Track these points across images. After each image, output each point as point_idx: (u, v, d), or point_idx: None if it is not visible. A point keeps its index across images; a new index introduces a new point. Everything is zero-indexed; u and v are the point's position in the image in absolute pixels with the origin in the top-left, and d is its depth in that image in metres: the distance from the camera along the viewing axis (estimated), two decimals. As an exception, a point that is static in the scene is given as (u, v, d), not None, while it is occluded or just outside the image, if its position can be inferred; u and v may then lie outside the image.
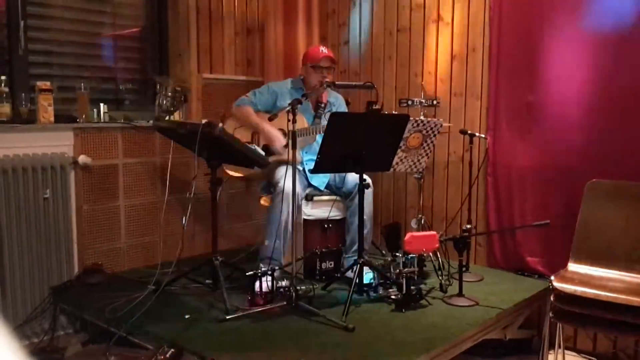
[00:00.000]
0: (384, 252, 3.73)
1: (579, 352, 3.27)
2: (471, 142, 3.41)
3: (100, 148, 3.37)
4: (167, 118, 3.50)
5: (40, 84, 3.09)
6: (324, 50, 3.40)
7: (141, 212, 3.59)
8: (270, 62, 4.13)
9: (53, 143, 3.15)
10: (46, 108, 3.11)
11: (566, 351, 3.13)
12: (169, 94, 3.67)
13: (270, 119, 2.84)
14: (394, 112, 3.45)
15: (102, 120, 3.42)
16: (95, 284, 3.15)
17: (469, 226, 3.36)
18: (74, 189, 3.24)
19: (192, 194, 2.84)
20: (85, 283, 3.14)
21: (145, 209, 3.61)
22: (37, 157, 3.06)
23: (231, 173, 3.38)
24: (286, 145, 3.24)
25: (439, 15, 3.79)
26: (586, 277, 2.79)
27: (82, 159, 3.24)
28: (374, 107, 2.66)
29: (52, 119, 3.12)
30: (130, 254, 3.56)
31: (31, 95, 3.14)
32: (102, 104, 3.44)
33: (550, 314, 2.68)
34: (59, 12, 3.38)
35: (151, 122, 3.52)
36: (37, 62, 3.28)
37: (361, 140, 2.77)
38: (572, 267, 2.93)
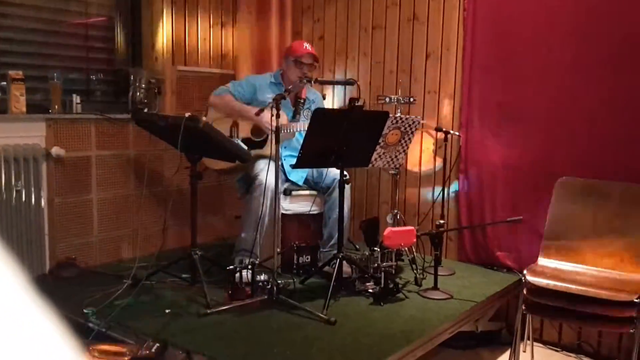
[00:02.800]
0: (357, 246, 3.78)
1: (544, 343, 3.41)
2: (445, 139, 3.49)
3: (73, 140, 3.29)
4: (145, 110, 3.45)
5: (12, 73, 3.00)
6: (307, 46, 3.41)
7: (114, 205, 3.53)
8: (243, 55, 4.12)
9: (25, 134, 3.07)
10: (18, 98, 3.02)
11: (534, 342, 3.26)
12: (143, 85, 3.63)
13: (257, 114, 2.84)
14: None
15: (74, 112, 3.34)
16: (69, 278, 3.09)
17: (442, 221, 3.44)
18: (46, 181, 3.16)
19: (173, 188, 2.81)
20: (58, 277, 3.08)
21: (118, 202, 3.55)
22: (9, 148, 2.97)
23: (210, 166, 3.36)
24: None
25: (414, 13, 3.85)
26: (556, 271, 2.90)
27: (55, 150, 3.16)
28: (356, 104, 2.69)
29: (24, 109, 3.04)
30: (103, 247, 3.49)
31: (2, 84, 3.05)
32: (74, 95, 3.36)
33: (523, 307, 2.78)
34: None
35: (127, 114, 3.46)
36: (3, 51, 3.17)
37: (342, 136, 2.80)
38: (542, 261, 3.05)
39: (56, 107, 3.21)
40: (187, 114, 2.65)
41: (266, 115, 2.96)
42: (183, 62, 3.88)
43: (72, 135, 3.29)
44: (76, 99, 3.36)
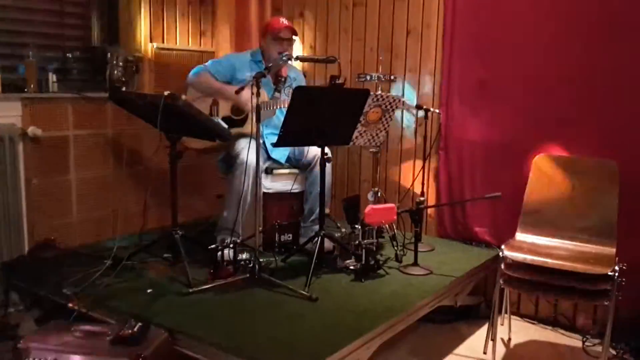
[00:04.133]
0: (338, 224, 3.80)
1: (522, 316, 3.49)
2: (426, 117, 3.50)
3: (50, 119, 3.24)
4: (123, 89, 3.40)
5: (-15, 51, 2.93)
6: (284, 21, 3.39)
7: (93, 185, 3.50)
8: (222, 33, 4.07)
9: (1, 114, 3.01)
10: (-8, 77, 2.96)
11: (511, 316, 3.34)
12: (120, 64, 3.57)
13: (237, 92, 2.81)
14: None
15: (50, 90, 3.28)
16: (49, 259, 3.07)
17: (422, 198, 3.48)
18: (23, 161, 3.12)
19: (153, 168, 2.78)
20: (38, 258, 3.05)
21: (97, 182, 3.52)
22: (-16, 128, 2.92)
23: (190, 145, 3.34)
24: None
25: (394, -10, 3.84)
26: (533, 246, 2.96)
27: (32, 130, 3.11)
28: (337, 82, 2.69)
29: (-1, 88, 2.98)
30: (82, 228, 3.47)
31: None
32: (50, 73, 3.29)
33: (501, 281, 2.84)
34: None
35: (105, 93, 3.41)
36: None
37: (323, 114, 2.80)
38: (520, 236, 3.10)
39: (32, 86, 3.15)
40: (166, 92, 2.61)
41: (245, 94, 2.94)
42: (161, 40, 3.82)
43: (49, 115, 3.24)
44: (52, 77, 3.29)
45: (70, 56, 3.56)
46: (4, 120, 3.01)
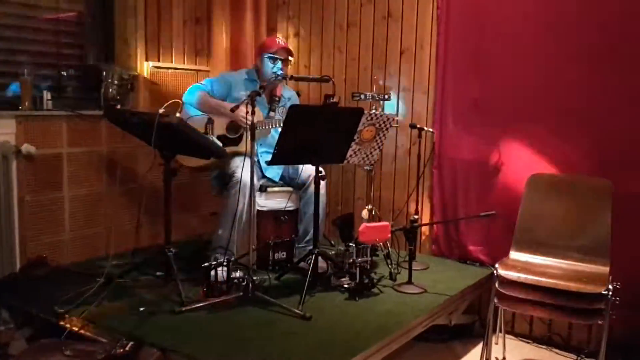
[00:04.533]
0: (333, 242, 3.80)
1: (516, 335, 3.47)
2: (420, 135, 3.52)
3: (44, 137, 3.24)
4: (117, 107, 3.41)
5: (-19, 68, 2.94)
6: (280, 41, 3.41)
7: (86, 203, 3.48)
8: (217, 52, 4.10)
9: (-6, 131, 3.02)
10: (-14, 94, 2.97)
11: (505, 335, 3.32)
12: (115, 82, 3.58)
13: (232, 110, 2.82)
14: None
15: (45, 108, 3.28)
16: (41, 276, 3.04)
17: (416, 217, 3.48)
18: (16, 178, 3.10)
19: (146, 185, 2.78)
20: (29, 276, 3.03)
21: (90, 200, 3.50)
22: (-22, 146, 2.91)
23: (184, 163, 3.34)
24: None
25: (388, 11, 3.88)
26: (527, 265, 2.96)
27: (26, 147, 3.11)
28: (331, 101, 2.70)
29: (-7, 105, 2.99)
30: (74, 246, 3.44)
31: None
32: (45, 91, 3.30)
33: (495, 300, 2.83)
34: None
35: (99, 110, 3.42)
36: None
37: (318, 133, 2.81)
38: (514, 255, 3.10)
39: (26, 103, 3.15)
40: (160, 110, 2.62)
41: (242, 110, 2.96)
42: (157, 58, 3.84)
43: (43, 132, 3.23)
44: (47, 95, 3.30)
45: (65, 74, 3.57)
46: (-3, 138, 3.01)
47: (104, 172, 3.56)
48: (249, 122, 2.65)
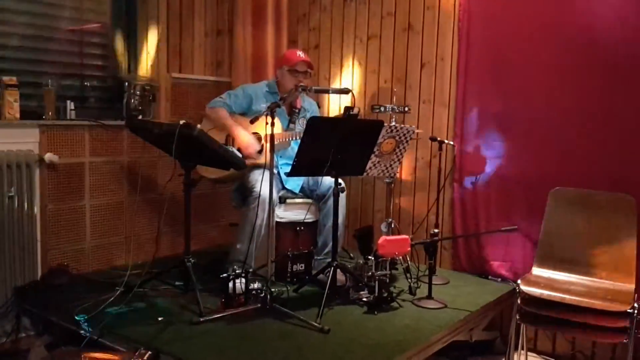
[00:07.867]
0: (352, 255, 3.78)
1: (539, 353, 3.41)
2: (440, 148, 3.50)
3: (66, 146, 3.28)
4: (139, 117, 3.45)
5: (6, 79, 3.00)
6: (301, 54, 3.42)
7: (107, 212, 3.51)
8: (238, 63, 4.12)
9: (19, 140, 3.06)
10: (12, 104, 3.02)
11: (528, 352, 3.26)
12: (137, 92, 3.62)
13: (252, 122, 2.83)
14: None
15: (68, 118, 3.33)
16: (61, 285, 3.07)
17: (436, 230, 3.44)
18: (39, 187, 3.15)
19: (167, 195, 2.80)
20: (50, 284, 3.05)
21: (111, 209, 3.53)
22: (2, 154, 2.95)
23: (204, 174, 3.35)
24: (260, 151, 3.24)
25: (409, 23, 3.88)
26: (550, 281, 2.91)
27: (49, 156, 3.15)
28: (351, 113, 2.70)
29: (17, 115, 3.03)
30: (95, 254, 3.47)
31: (-5, 89, 3.04)
32: (68, 101, 3.35)
33: (517, 316, 2.78)
34: (17, 5, 3.25)
35: (121, 121, 3.46)
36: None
37: (337, 144, 2.80)
38: (536, 271, 3.05)
39: (50, 113, 3.20)
40: (181, 121, 2.64)
41: (250, 147, 3.01)
42: (178, 70, 3.88)
43: (66, 142, 3.28)
44: (70, 105, 3.35)
45: (88, 85, 3.62)
46: (21, 147, 3.06)
47: (125, 182, 3.59)
48: (256, 160, 2.65)
